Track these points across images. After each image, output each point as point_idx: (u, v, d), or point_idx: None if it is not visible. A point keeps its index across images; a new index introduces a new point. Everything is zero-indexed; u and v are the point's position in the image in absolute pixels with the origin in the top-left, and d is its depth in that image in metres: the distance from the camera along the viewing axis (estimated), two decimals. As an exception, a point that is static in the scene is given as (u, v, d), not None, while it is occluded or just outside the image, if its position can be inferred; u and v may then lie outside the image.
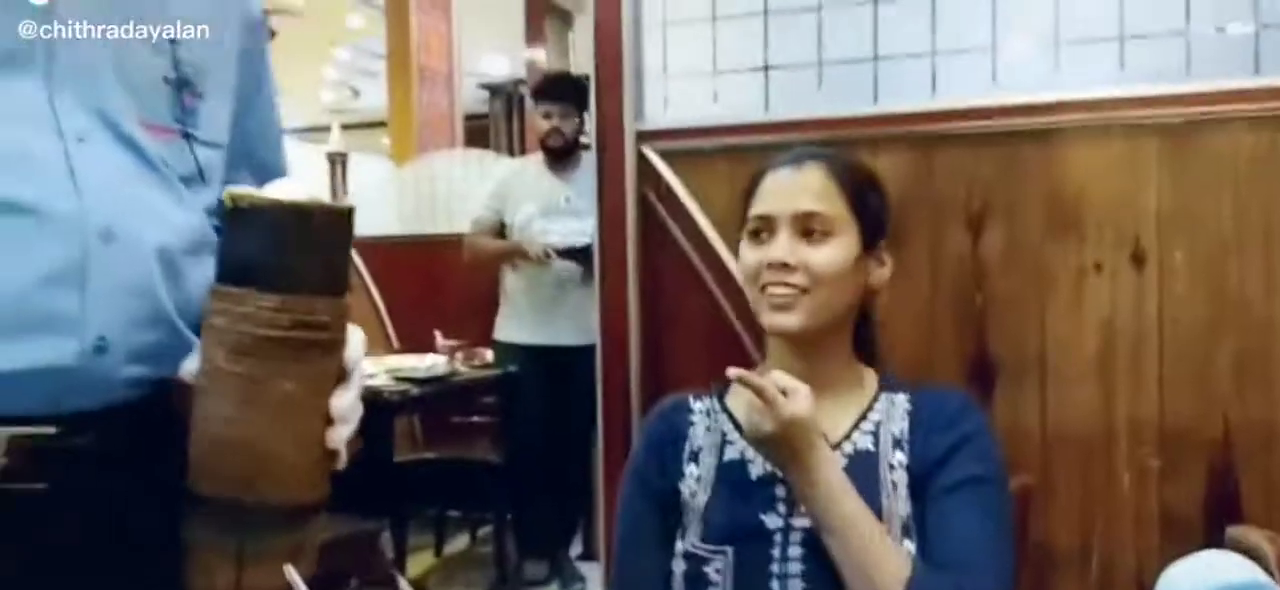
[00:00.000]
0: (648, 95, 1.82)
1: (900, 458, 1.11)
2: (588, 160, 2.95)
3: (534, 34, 5.39)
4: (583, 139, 3.10)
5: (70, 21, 0.77)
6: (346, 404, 0.75)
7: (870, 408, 1.15)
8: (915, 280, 1.62)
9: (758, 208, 1.13)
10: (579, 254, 3.03)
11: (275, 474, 0.71)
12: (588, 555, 3.29)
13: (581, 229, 3.00)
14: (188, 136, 0.85)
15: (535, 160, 3.34)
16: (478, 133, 6.31)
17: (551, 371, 3.10)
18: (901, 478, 1.09)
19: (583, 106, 3.11)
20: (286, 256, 0.70)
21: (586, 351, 2.76)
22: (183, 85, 0.85)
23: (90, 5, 0.79)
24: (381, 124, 5.94)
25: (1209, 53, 1.49)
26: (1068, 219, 1.55)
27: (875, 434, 1.13)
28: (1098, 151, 1.53)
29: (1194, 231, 1.50)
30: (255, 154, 0.97)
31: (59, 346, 0.74)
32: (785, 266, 1.09)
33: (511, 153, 6.02)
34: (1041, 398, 1.57)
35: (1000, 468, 1.13)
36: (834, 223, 1.10)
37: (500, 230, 3.26)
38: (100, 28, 0.79)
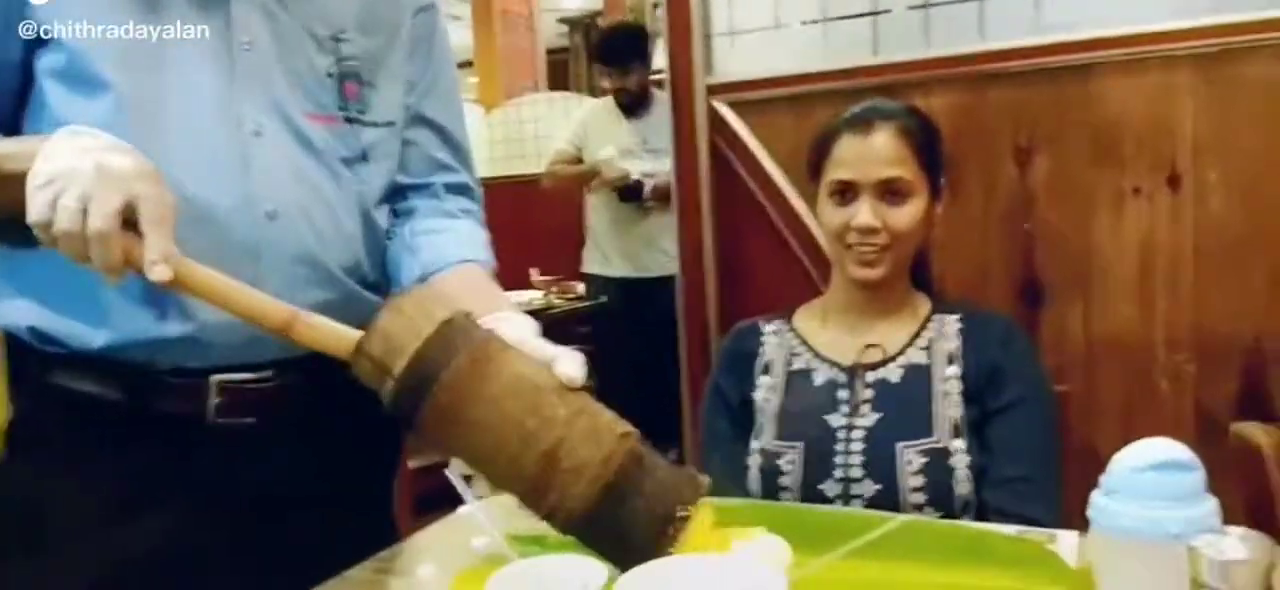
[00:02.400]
0: (716, 48, 1.97)
1: (954, 370, 1.27)
2: (661, 101, 3.10)
3: (609, -33, 5.49)
4: (655, 81, 3.18)
5: (256, 47, 0.93)
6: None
7: (924, 326, 1.31)
8: (969, 210, 1.75)
9: (838, 173, 1.27)
10: (636, 192, 3.16)
11: None
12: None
13: (659, 169, 3.11)
14: (351, 122, 0.99)
15: (610, 104, 3.44)
16: (559, 67, 6.48)
17: (634, 301, 3.28)
18: (954, 386, 1.26)
19: (642, 56, 3.18)
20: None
21: (666, 281, 2.97)
22: (346, 77, 0.99)
23: (270, 34, 0.94)
24: (469, 63, 6.17)
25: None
26: (1108, 147, 1.65)
27: (929, 349, 1.30)
28: (1134, 82, 1.62)
29: (1226, 154, 1.59)
30: (436, 121, 1.10)
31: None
32: (871, 231, 1.24)
33: (592, 85, 6.18)
34: (1085, 313, 1.70)
35: (1045, 385, 1.29)
36: (910, 185, 1.25)
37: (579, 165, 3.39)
38: (280, 49, 0.94)
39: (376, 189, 1.04)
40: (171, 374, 0.93)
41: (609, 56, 3.29)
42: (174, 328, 0.91)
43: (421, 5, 1.08)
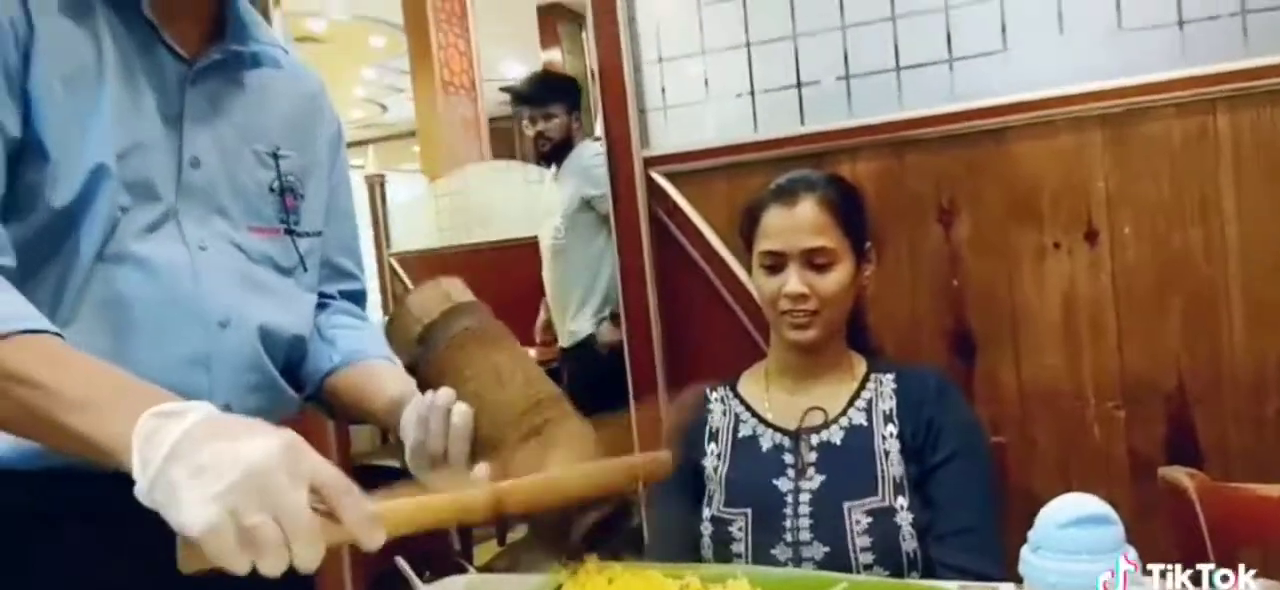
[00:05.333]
0: (650, 121, 2.03)
1: (892, 429, 1.31)
2: (580, 156, 3.07)
3: (548, 37, 5.59)
4: (576, 131, 3.14)
5: (204, 164, 0.97)
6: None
7: (861, 388, 1.35)
8: (898, 270, 1.81)
9: (766, 244, 1.32)
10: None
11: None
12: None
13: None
14: (290, 233, 1.04)
15: (544, 172, 3.38)
16: (503, 134, 6.52)
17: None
18: (893, 446, 1.29)
19: (564, 102, 3.11)
20: None
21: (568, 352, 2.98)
22: (286, 191, 1.04)
23: (216, 152, 0.98)
24: (411, 134, 6.19)
25: (1140, 47, 1.66)
26: (1026, 205, 1.73)
27: (868, 410, 1.33)
28: (1048, 143, 1.71)
29: (1139, 207, 1.67)
30: (332, 260, 1.14)
31: None
32: (801, 297, 1.29)
33: (538, 153, 6.18)
34: (1016, 364, 1.76)
35: (979, 435, 1.33)
36: (834, 253, 1.29)
37: None
38: (225, 166, 0.98)
39: (312, 295, 1.08)
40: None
41: (527, 97, 3.21)
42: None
43: (331, 135, 1.14)
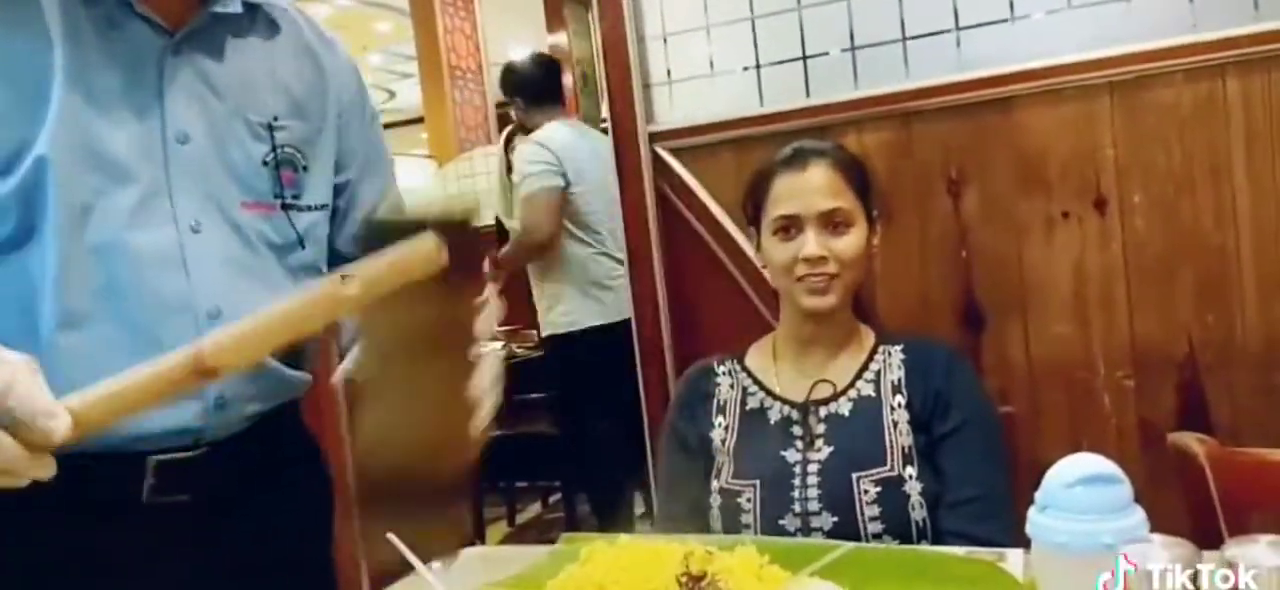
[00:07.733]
0: (655, 96, 2.02)
1: (900, 400, 1.31)
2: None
3: (554, 20, 5.54)
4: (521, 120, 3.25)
5: (194, 139, 0.92)
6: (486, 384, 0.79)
7: (870, 359, 1.35)
8: (907, 242, 1.80)
9: (781, 209, 1.30)
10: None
11: (444, 456, 0.76)
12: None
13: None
14: (287, 208, 0.98)
15: None
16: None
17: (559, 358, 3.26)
18: (902, 416, 1.29)
19: (514, 93, 3.25)
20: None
21: (558, 340, 2.91)
22: (282, 164, 0.98)
23: (205, 125, 0.93)
24: (419, 120, 6.18)
25: (1148, 13, 1.64)
26: (1035, 175, 1.72)
27: (876, 381, 1.33)
28: (1056, 111, 1.70)
29: (1148, 175, 1.66)
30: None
31: (187, 410, 0.91)
32: (820, 259, 1.28)
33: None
34: (1025, 334, 1.75)
35: (989, 407, 1.33)
36: (850, 214, 1.29)
37: None
38: (216, 139, 0.93)
39: (309, 274, 1.03)
40: (105, 458, 0.89)
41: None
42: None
43: (345, 81, 1.09)
